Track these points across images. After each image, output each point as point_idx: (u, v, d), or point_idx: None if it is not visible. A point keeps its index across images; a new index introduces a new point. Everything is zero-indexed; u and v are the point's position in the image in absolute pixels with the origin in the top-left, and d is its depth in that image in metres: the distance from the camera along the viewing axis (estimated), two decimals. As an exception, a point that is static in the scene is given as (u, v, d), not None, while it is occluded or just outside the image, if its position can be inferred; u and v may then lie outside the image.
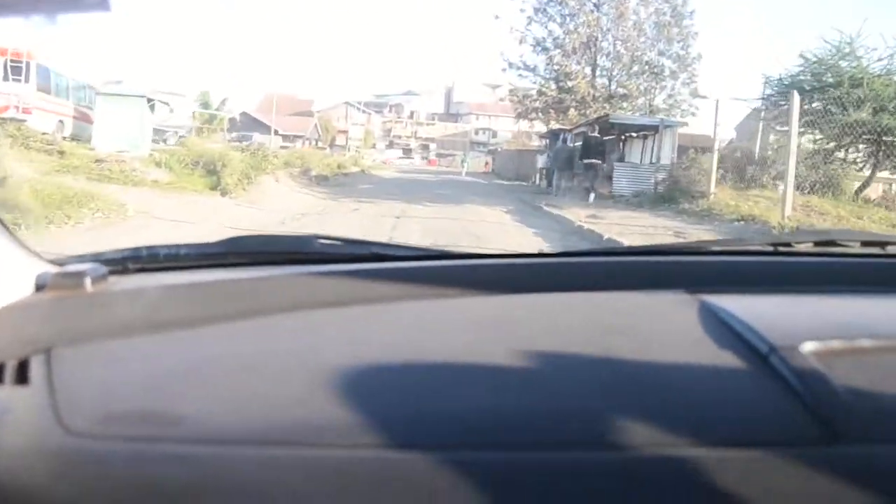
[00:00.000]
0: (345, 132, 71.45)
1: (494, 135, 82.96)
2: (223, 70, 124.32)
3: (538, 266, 1.13)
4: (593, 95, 30.10)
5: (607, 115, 20.41)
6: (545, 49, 30.99)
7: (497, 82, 69.39)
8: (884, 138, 14.16)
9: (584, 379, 0.75)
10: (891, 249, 1.23)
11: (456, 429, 0.67)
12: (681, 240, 8.74)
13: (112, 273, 0.96)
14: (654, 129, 19.18)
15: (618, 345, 0.81)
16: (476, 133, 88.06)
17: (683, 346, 0.83)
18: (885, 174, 18.63)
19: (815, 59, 14.60)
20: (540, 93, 31.85)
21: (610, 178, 19.70)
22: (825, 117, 14.59)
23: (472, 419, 0.68)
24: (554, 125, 29.62)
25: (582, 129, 20.39)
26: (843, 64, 14.43)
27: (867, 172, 16.66)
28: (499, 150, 57.92)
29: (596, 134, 18.29)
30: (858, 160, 16.34)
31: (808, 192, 18.26)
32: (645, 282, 1.03)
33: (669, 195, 14.55)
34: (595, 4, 30.41)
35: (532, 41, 31.19)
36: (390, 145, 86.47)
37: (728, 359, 0.78)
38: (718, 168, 17.27)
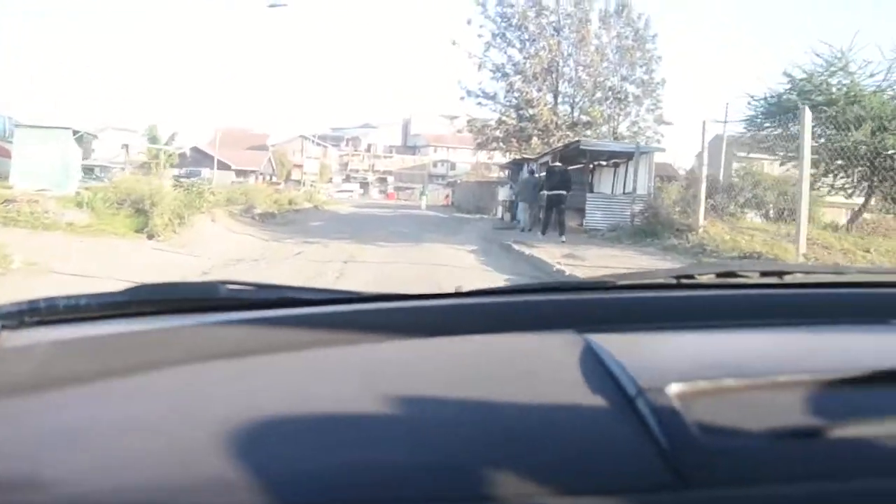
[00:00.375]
0: (300, 166, 69.86)
1: (453, 167, 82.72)
2: (176, 104, 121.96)
3: (447, 308, 1.11)
4: (556, 123, 28.95)
5: (577, 141, 18.96)
6: (505, 75, 29.83)
7: (455, 113, 68.86)
8: (877, 161, 12.93)
9: (458, 430, 0.73)
10: (788, 279, 1.27)
11: (334, 486, 0.65)
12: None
13: (6, 328, 0.93)
14: (628, 156, 17.80)
15: (498, 392, 0.81)
16: (434, 165, 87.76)
17: (561, 391, 0.81)
18: (844, 199, 17.75)
19: (803, 77, 13.31)
20: (500, 122, 30.65)
21: (581, 210, 18.37)
22: (814, 139, 13.37)
23: (350, 475, 0.66)
24: (516, 155, 28.29)
25: (549, 157, 19.00)
26: (833, 81, 13.21)
27: (852, 198, 15.56)
28: (458, 182, 56.87)
29: (558, 163, 16.91)
30: (847, 186, 15.13)
31: (776, 220, 17.23)
32: (541, 322, 1.02)
33: (651, 229, 13.12)
34: (555, 29, 29.42)
35: (491, 67, 30.03)
36: (347, 179, 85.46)
37: (600, 403, 0.77)
38: (684, 197, 16.22)
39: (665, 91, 30.60)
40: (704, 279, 1.27)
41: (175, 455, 0.68)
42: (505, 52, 30.12)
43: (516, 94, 29.78)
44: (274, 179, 57.70)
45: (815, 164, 14.33)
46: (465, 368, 0.90)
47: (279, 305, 1.07)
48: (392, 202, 62.91)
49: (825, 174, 14.56)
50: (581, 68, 29.74)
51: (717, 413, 0.74)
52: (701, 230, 11.49)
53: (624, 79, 29.96)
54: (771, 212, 19.63)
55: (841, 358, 0.91)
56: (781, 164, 14.82)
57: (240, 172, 54.13)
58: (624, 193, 17.55)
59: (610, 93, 29.79)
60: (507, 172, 31.40)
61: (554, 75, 29.63)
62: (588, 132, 27.48)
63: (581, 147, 17.64)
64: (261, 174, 59.10)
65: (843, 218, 20.34)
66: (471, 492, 0.65)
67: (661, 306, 1.13)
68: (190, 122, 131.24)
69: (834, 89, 13.17)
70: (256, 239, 13.99)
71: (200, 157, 51.98)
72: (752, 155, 26.01)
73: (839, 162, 12.84)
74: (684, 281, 1.23)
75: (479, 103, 30.80)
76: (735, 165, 27.14)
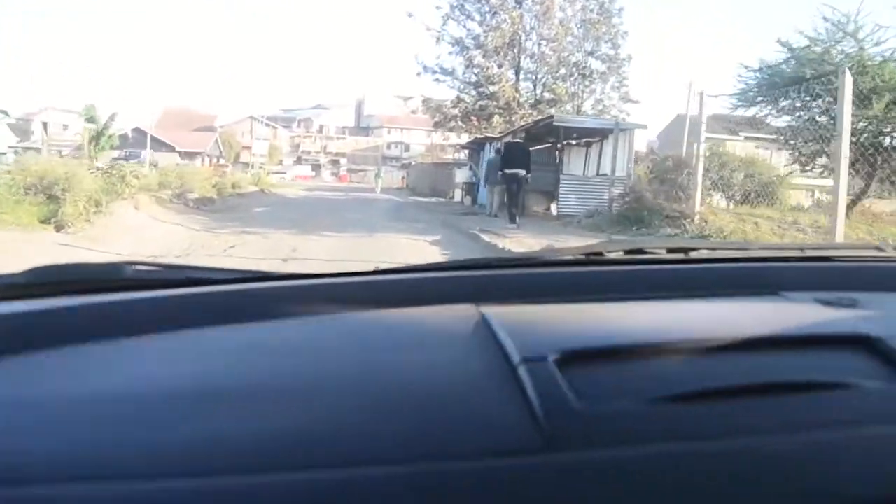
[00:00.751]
0: (249, 148, 67.39)
1: (407, 148, 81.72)
2: (120, 84, 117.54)
3: (353, 285, 1.12)
4: (518, 101, 27.37)
5: (550, 116, 17.27)
6: (464, 49, 28.10)
7: (409, 94, 67.42)
8: (880, 139, 11.61)
9: (346, 398, 0.75)
10: (693, 255, 1.31)
11: (228, 455, 0.66)
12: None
13: None
14: (603, 133, 16.23)
15: (389, 362, 0.83)
16: (388, 147, 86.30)
17: (449, 360, 0.83)
18: (807, 180, 16.68)
19: (804, 45, 11.85)
20: (458, 99, 28.98)
21: (548, 193, 16.82)
22: (808, 114, 12.05)
23: (243, 445, 0.67)
24: (477, 134, 26.57)
25: (511, 135, 17.35)
26: (839, 48, 11.78)
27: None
28: (413, 163, 55.30)
29: (518, 140, 15.29)
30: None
31: (742, 203, 16.03)
32: (446, 297, 1.02)
33: (636, 215, 11.61)
34: (517, 0, 27.73)
35: (450, 40, 28.29)
36: (299, 161, 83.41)
37: (484, 371, 0.79)
38: (658, 178, 14.80)
39: (630, 68, 29.22)
40: (613, 256, 1.29)
41: (63, 428, 0.68)
42: (464, 26, 28.51)
43: (476, 70, 28.15)
44: (222, 161, 55.50)
45: (807, 141, 13.11)
46: (362, 341, 0.91)
47: (186, 285, 1.05)
48: (344, 185, 61.36)
49: (819, 154, 13.22)
50: (544, 42, 28.22)
51: (597, 380, 0.76)
52: (697, 217, 10.00)
53: (589, 54, 28.48)
54: (737, 194, 18.85)
55: (727, 327, 0.93)
56: (785, 142, 13.31)
57: (185, 154, 52.12)
58: (598, 175, 16.02)
59: (574, 69, 28.31)
60: (467, 153, 29.75)
61: (516, 50, 28.05)
62: (552, 110, 25.87)
63: (554, 123, 15.95)
64: (208, 156, 56.98)
65: (806, 200, 19.36)
66: (350, 457, 0.66)
67: (567, 282, 1.15)
68: (135, 102, 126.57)
69: (837, 58, 11.74)
70: (186, 229, 12.11)
71: (143, 139, 49.58)
72: (716, 135, 25.11)
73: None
74: (593, 258, 1.26)
75: (437, 79, 29.17)
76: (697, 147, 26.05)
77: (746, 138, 25.45)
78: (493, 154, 18.28)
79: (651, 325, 0.96)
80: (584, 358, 0.79)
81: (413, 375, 0.79)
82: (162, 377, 0.78)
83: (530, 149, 16.23)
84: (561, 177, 16.04)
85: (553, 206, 17.91)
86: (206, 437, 0.67)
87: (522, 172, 14.00)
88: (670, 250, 1.33)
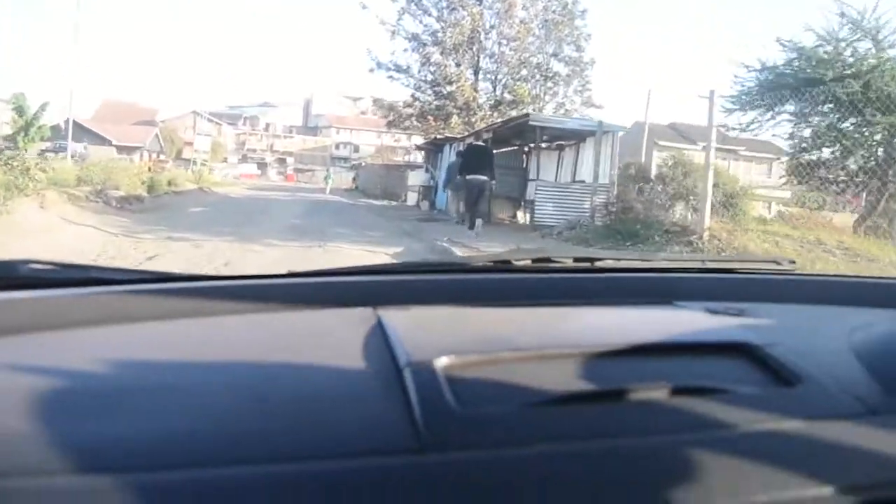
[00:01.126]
0: (192, 144, 64.70)
1: (356, 149, 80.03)
2: (55, 73, 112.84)
3: (250, 288, 1.09)
4: (477, 102, 25.87)
5: (526, 115, 15.63)
6: (421, 45, 26.44)
7: (359, 94, 65.55)
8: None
9: (229, 398, 0.75)
10: (599, 265, 1.34)
11: (117, 452, 0.66)
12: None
13: None
14: (580, 136, 14.73)
15: (284, 362, 0.83)
16: (337, 147, 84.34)
17: (341, 361, 0.83)
18: (768, 192, 15.81)
19: (814, 44, 10.56)
20: (413, 98, 27.35)
21: (515, 200, 15.37)
22: (826, 120, 10.79)
23: (132, 443, 0.67)
24: (436, 134, 24.84)
25: (485, 135, 15.74)
26: (847, 50, 10.54)
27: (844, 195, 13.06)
28: (363, 165, 53.55)
29: (480, 142, 13.77)
30: (841, 180, 12.57)
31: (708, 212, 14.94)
32: (348, 300, 1.03)
33: (626, 228, 10.14)
34: (477, -3, 26.21)
35: (406, 35, 26.64)
36: (244, 159, 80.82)
37: (372, 373, 0.80)
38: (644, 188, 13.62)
39: (594, 72, 27.99)
40: (521, 264, 1.32)
41: None
42: (421, 21, 26.85)
43: (432, 68, 26.56)
44: (162, 157, 52.99)
45: (804, 149, 11.94)
46: (257, 342, 0.91)
47: (84, 285, 1.03)
48: (291, 184, 59.40)
49: (817, 166, 12.00)
50: (505, 42, 26.75)
51: (481, 383, 0.77)
52: (707, 234, 8.56)
53: (552, 56, 27.11)
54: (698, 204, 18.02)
55: (618, 334, 0.95)
56: (797, 151, 12.02)
57: (123, 149, 49.35)
58: (574, 181, 14.53)
59: (536, 70, 26.91)
60: (423, 154, 28.07)
61: (475, 48, 26.51)
62: (512, 112, 24.35)
63: (530, 122, 14.33)
64: (147, 151, 54.36)
65: (765, 211, 18.55)
66: (226, 456, 0.66)
67: (472, 288, 1.16)
68: (71, 92, 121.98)
69: (849, 59, 10.49)
70: (101, 233, 10.23)
71: (77, 131, 46.90)
72: (674, 144, 24.29)
73: (864, 149, 10.14)
74: (501, 265, 1.31)
75: (391, 77, 27.42)
76: (656, 155, 25.13)
77: (704, 148, 24.77)
78: (455, 156, 16.73)
79: (544, 331, 1.00)
80: (471, 362, 0.80)
81: (299, 376, 0.79)
82: (48, 376, 0.76)
83: (495, 151, 14.74)
84: (537, 183, 14.47)
85: (519, 214, 16.41)
86: (91, 436, 0.66)
87: (486, 178, 12.44)
88: (577, 260, 1.36)
